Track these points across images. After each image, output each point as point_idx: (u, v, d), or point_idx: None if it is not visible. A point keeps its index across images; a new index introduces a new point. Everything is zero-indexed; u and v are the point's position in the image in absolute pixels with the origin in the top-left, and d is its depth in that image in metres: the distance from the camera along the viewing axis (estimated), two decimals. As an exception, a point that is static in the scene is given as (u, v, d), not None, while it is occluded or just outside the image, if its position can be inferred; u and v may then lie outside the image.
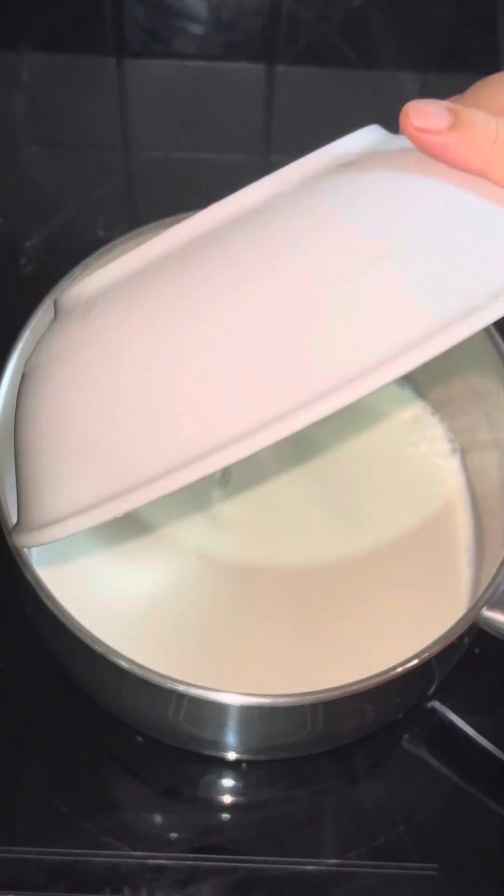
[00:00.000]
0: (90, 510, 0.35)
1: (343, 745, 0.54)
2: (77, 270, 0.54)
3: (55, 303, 0.39)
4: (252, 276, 0.34)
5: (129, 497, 0.34)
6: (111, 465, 0.35)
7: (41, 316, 0.53)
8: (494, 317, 0.33)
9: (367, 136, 0.38)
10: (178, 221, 0.54)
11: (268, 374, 0.33)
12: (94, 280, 0.37)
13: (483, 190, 0.35)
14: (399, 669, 0.45)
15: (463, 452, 0.59)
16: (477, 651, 0.56)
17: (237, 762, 0.54)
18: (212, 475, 0.34)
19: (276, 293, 0.34)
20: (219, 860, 0.52)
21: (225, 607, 0.54)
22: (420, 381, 0.60)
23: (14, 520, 0.43)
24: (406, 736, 0.55)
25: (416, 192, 0.35)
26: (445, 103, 0.36)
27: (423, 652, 0.46)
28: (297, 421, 0.33)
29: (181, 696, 0.45)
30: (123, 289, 0.36)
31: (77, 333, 0.37)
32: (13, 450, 0.39)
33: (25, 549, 0.47)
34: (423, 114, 0.36)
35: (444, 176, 0.35)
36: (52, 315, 0.53)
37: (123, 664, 0.44)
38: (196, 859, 0.52)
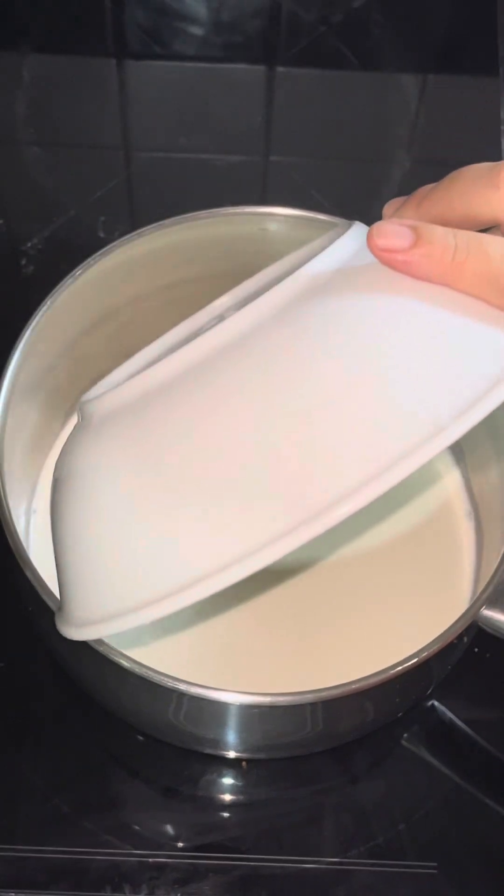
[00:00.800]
0: (124, 615, 0.39)
1: (343, 744, 0.54)
2: (78, 270, 0.54)
3: (79, 407, 0.43)
4: (257, 399, 0.37)
5: (155, 607, 0.38)
6: (133, 578, 0.39)
7: (42, 316, 0.53)
8: (494, 405, 0.37)
9: (349, 245, 0.41)
10: (178, 223, 0.55)
11: (288, 480, 0.36)
12: (109, 398, 0.40)
13: (448, 298, 0.38)
14: (398, 668, 0.45)
15: (462, 452, 0.59)
16: (476, 650, 0.56)
17: (237, 761, 0.54)
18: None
19: (283, 412, 0.37)
20: (219, 858, 0.52)
21: (225, 606, 0.54)
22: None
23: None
24: (406, 735, 0.55)
25: (392, 310, 0.38)
26: (408, 222, 0.39)
27: (422, 651, 0.46)
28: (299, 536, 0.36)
29: (182, 695, 0.45)
30: (132, 410, 0.40)
31: (95, 452, 0.40)
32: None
33: (24, 547, 0.47)
34: (386, 234, 0.39)
35: (412, 288, 0.38)
36: (53, 316, 0.53)
37: (124, 663, 0.44)
38: (196, 858, 0.52)
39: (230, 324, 0.39)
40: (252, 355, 0.38)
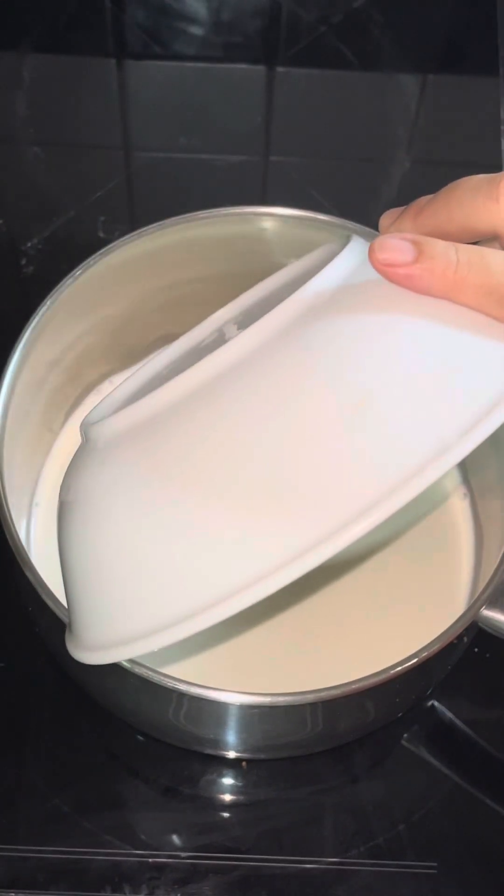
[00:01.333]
0: (138, 640, 0.39)
1: (343, 744, 0.54)
2: (78, 270, 0.54)
3: (82, 429, 0.43)
4: (266, 417, 0.38)
5: (168, 632, 0.39)
6: (145, 602, 0.39)
7: (41, 316, 0.53)
8: (500, 421, 0.36)
9: (349, 261, 0.41)
10: (178, 223, 0.55)
11: (293, 503, 0.36)
12: (115, 421, 0.40)
13: (450, 312, 0.39)
14: (398, 668, 0.45)
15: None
16: (476, 650, 0.56)
17: (237, 761, 0.54)
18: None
19: (287, 437, 0.37)
20: (219, 859, 0.52)
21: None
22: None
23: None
24: (406, 735, 0.55)
25: (396, 327, 0.39)
26: (410, 236, 0.39)
27: (422, 651, 0.46)
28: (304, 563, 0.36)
29: (182, 696, 0.45)
30: (139, 433, 0.40)
31: (103, 475, 0.40)
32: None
33: (24, 547, 0.47)
34: (388, 248, 0.39)
35: (414, 303, 0.39)
36: (53, 316, 0.53)
37: (124, 663, 0.44)
38: (196, 858, 0.52)
39: (235, 345, 0.39)
40: (259, 377, 0.38)
